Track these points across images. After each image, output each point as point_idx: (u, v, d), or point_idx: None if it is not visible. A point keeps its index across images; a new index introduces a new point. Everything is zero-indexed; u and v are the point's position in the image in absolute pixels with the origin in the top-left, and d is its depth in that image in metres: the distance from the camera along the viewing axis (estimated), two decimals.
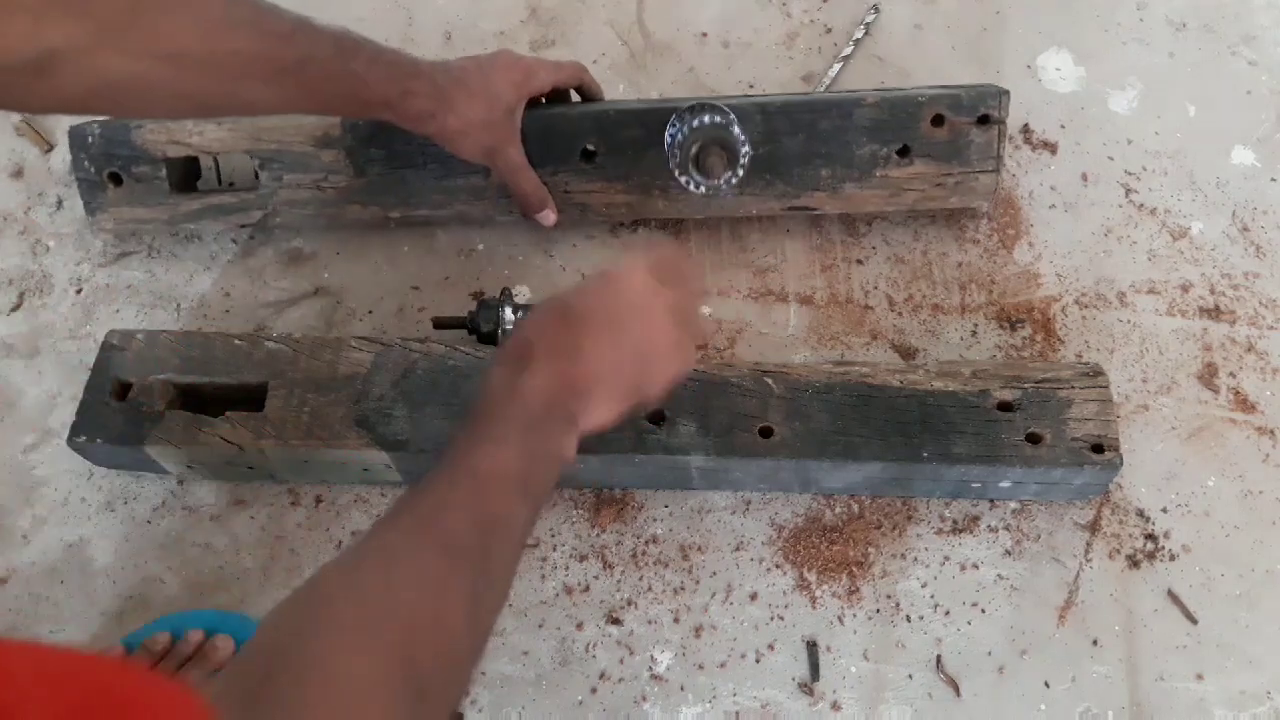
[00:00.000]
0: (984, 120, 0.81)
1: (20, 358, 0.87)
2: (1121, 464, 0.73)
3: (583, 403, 0.56)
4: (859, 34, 0.99)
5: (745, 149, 0.77)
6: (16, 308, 0.89)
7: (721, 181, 0.74)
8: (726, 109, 0.80)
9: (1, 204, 0.93)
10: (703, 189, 0.76)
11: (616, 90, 0.97)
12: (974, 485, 0.76)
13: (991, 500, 0.78)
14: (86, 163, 0.85)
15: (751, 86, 0.97)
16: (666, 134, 0.81)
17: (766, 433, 0.74)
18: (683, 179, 0.77)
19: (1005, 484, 0.75)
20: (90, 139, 0.85)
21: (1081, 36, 0.99)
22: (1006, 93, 0.81)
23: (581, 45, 1.00)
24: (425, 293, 0.89)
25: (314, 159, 0.85)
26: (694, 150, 0.76)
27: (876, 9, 1.00)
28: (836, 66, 0.97)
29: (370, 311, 0.88)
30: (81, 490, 0.82)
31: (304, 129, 0.84)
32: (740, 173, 0.77)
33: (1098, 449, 0.72)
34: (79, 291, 0.89)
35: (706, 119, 0.75)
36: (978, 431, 0.73)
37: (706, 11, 1.01)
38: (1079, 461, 0.72)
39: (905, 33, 1.00)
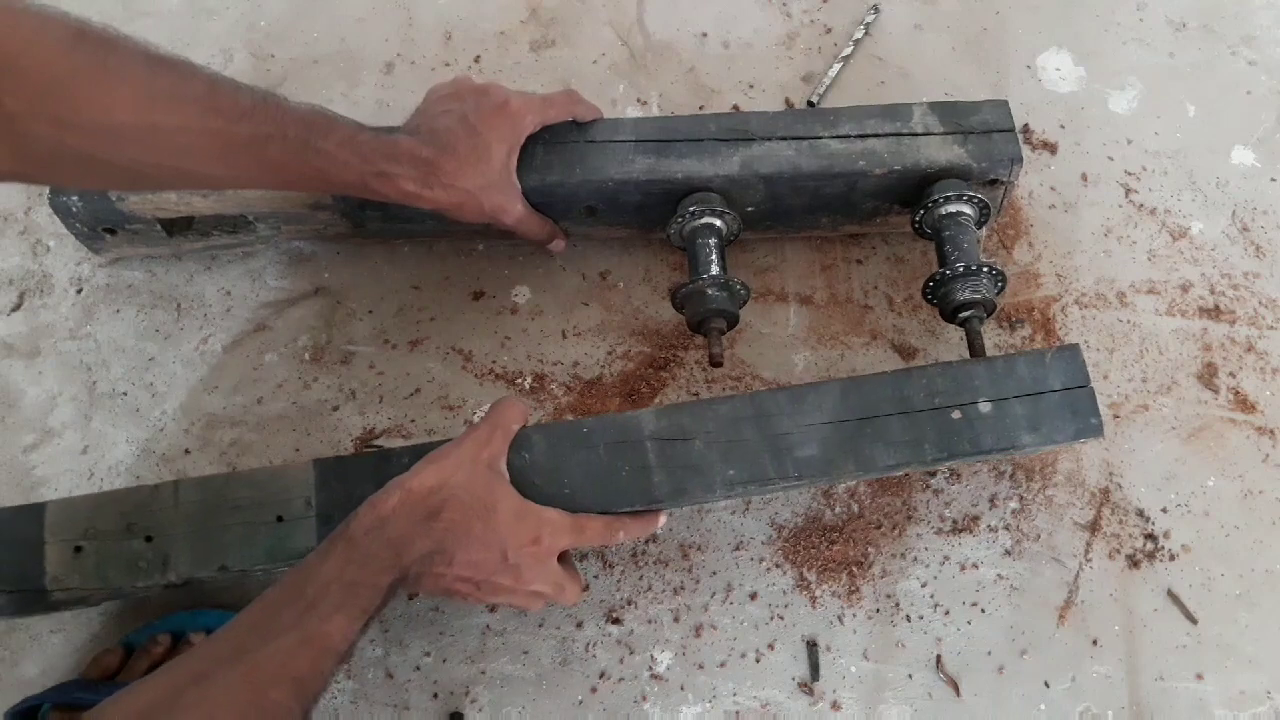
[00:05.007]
0: (993, 183, 0.80)
1: (20, 358, 0.87)
2: (1079, 350, 0.72)
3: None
4: (859, 34, 0.99)
5: (743, 293, 0.79)
6: (17, 308, 0.89)
7: (720, 350, 0.77)
8: (724, 208, 0.78)
9: (1, 204, 0.93)
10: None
11: (616, 90, 0.97)
12: (953, 416, 0.70)
13: (985, 450, 0.70)
14: (78, 224, 0.83)
15: (751, 86, 0.97)
16: (670, 233, 0.80)
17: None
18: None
19: (985, 406, 0.70)
20: (73, 209, 0.81)
21: (1081, 36, 0.99)
22: (1020, 161, 0.79)
23: (581, 45, 1.00)
24: (425, 292, 0.89)
25: (309, 216, 0.84)
26: (697, 321, 0.78)
27: (876, 9, 1.00)
28: (836, 66, 0.97)
29: (370, 311, 0.88)
30: (81, 490, 0.82)
31: (290, 197, 0.81)
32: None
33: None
34: (79, 291, 0.89)
35: (708, 287, 0.76)
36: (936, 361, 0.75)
37: (706, 11, 1.01)
38: (1040, 352, 0.72)
39: (905, 33, 1.00)
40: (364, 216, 0.83)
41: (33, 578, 0.69)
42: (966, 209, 0.78)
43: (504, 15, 1.01)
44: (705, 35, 1.00)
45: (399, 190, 0.71)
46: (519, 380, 0.85)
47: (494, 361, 0.85)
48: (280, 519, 0.69)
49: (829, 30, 1.00)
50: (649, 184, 0.79)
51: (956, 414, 0.70)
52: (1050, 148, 0.93)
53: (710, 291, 0.76)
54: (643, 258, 0.90)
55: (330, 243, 0.91)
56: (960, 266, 0.76)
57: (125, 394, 0.85)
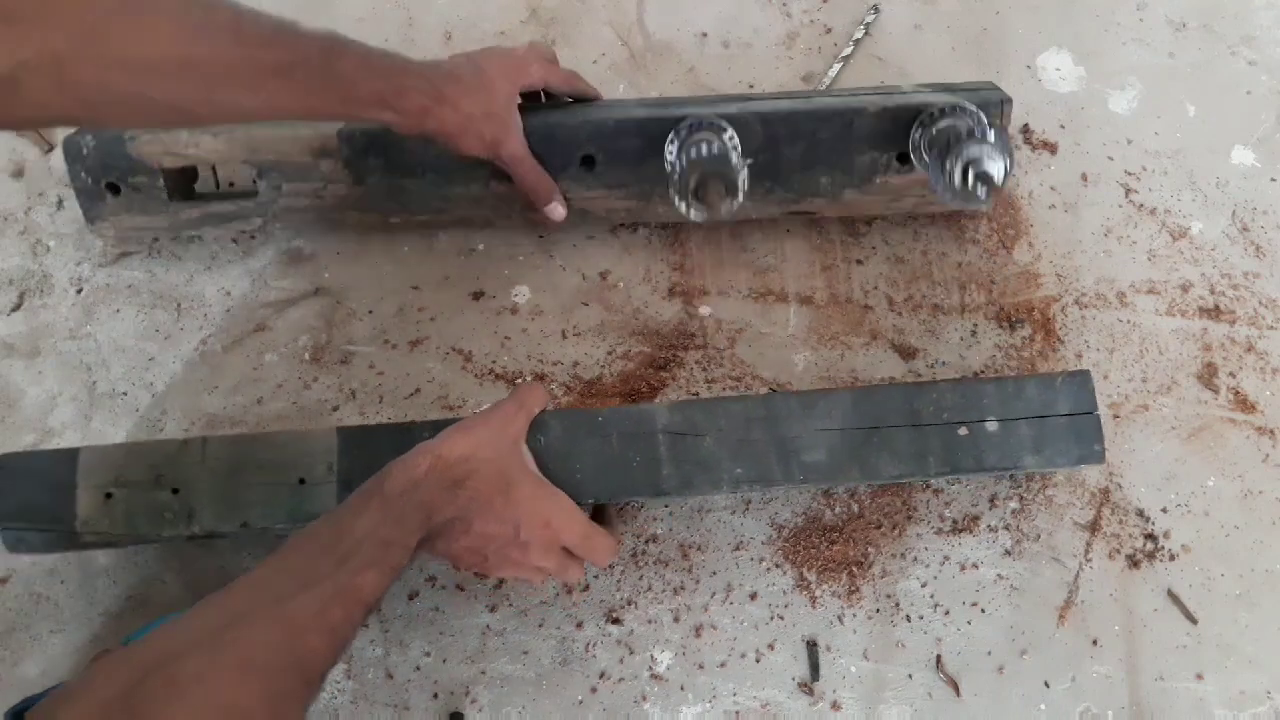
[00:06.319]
0: None
1: (20, 358, 0.87)
2: (1090, 376, 0.73)
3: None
4: (859, 34, 0.99)
5: (744, 175, 0.76)
6: (17, 308, 0.89)
7: (721, 212, 0.74)
8: (724, 124, 0.78)
9: (2, 204, 0.93)
10: (703, 217, 0.76)
11: (616, 90, 0.97)
12: (960, 432, 0.72)
13: (988, 468, 0.72)
14: (83, 173, 0.84)
15: (751, 86, 0.97)
16: (666, 153, 0.79)
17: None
18: (682, 205, 0.76)
19: (992, 425, 0.72)
20: (85, 150, 0.83)
21: (1081, 36, 0.99)
22: (1009, 100, 0.80)
23: (581, 45, 1.00)
24: (425, 293, 0.89)
25: (313, 169, 0.84)
26: (693, 183, 0.75)
27: (876, 9, 1.00)
28: (836, 67, 0.97)
29: (370, 311, 0.88)
30: None
31: (300, 140, 0.83)
32: (739, 199, 0.76)
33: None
34: (79, 291, 0.89)
35: (704, 150, 0.74)
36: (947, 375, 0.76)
37: (706, 11, 1.01)
38: (1050, 376, 0.74)
39: (905, 33, 1.00)
40: (366, 167, 0.84)
41: (65, 519, 0.72)
42: (964, 123, 0.78)
43: (504, 15, 1.01)
44: (705, 35, 1.00)
45: (413, 105, 0.72)
46: (519, 380, 0.85)
47: (494, 361, 0.85)
48: (302, 481, 0.72)
49: (829, 30, 1.00)
50: (649, 123, 0.81)
51: (963, 430, 0.72)
52: (1050, 148, 0.93)
53: (708, 162, 0.75)
54: (643, 258, 0.90)
55: (330, 242, 0.91)
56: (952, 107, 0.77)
57: (125, 394, 0.85)
